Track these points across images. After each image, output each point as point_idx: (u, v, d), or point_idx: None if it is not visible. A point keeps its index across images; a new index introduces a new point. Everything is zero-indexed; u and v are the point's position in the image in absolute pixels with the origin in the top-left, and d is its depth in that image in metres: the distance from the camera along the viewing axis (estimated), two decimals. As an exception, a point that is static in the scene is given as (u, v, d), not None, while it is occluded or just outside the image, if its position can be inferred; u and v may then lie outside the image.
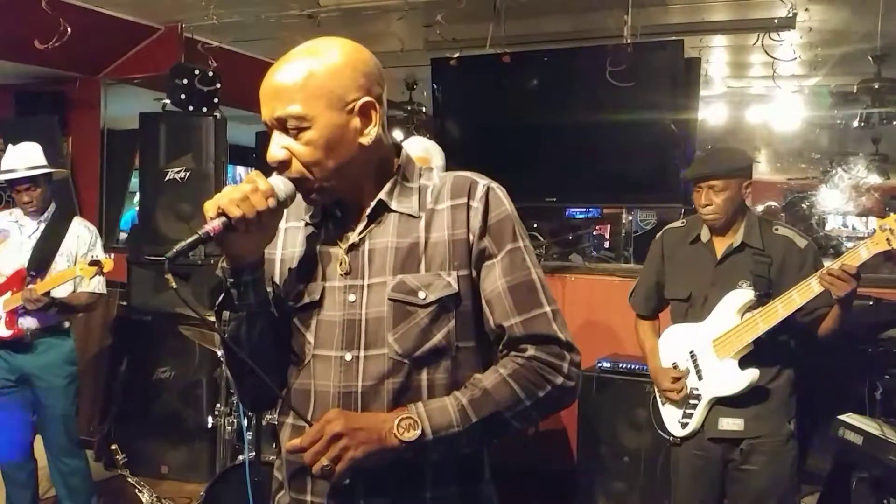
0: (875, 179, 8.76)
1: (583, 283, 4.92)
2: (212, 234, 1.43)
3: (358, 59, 1.54)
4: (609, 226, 8.69)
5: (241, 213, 1.43)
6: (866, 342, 3.77)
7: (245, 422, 3.80)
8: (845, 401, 3.48)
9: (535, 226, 6.44)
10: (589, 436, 4.24)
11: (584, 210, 8.50)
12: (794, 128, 7.85)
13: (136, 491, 4.26)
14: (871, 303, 3.97)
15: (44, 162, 4.05)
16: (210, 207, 1.44)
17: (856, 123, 6.94)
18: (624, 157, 4.91)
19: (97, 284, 4.10)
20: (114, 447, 4.23)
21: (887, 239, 2.72)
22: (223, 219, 1.43)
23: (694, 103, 4.93)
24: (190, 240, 1.43)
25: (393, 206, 1.58)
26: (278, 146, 1.51)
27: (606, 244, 8.16)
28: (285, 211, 1.61)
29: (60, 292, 3.96)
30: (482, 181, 1.60)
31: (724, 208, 3.06)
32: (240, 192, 1.45)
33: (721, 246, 3.14)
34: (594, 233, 8.31)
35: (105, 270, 3.92)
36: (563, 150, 5.09)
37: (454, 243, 1.55)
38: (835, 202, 8.97)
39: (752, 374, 2.99)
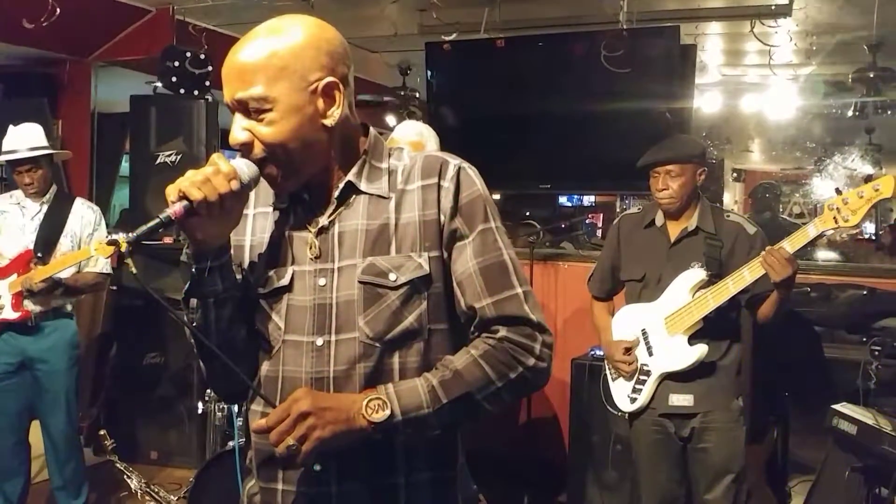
0: (868, 170, 8.76)
1: (576, 271, 4.89)
2: (173, 218, 1.40)
3: (321, 38, 1.50)
4: (602, 214, 8.70)
5: (202, 195, 1.40)
6: (860, 331, 3.78)
7: (235, 408, 3.78)
8: (839, 390, 3.50)
9: (528, 213, 6.42)
10: (581, 424, 4.23)
11: (572, 197, 8.50)
12: (788, 117, 7.85)
13: (125, 477, 4.25)
14: (864, 292, 3.97)
15: (45, 143, 4.03)
16: (172, 191, 1.42)
17: (850, 113, 6.94)
18: (618, 143, 4.86)
19: (104, 264, 4.06)
20: (103, 433, 4.21)
21: (834, 217, 2.86)
22: (185, 202, 1.40)
23: (689, 91, 4.91)
24: (151, 224, 1.40)
25: (362, 187, 1.55)
26: (240, 128, 1.48)
27: (598, 232, 8.16)
28: (253, 197, 1.58)
29: (63, 273, 3.92)
30: (453, 161, 1.57)
31: (679, 193, 3.20)
32: (201, 174, 1.42)
33: (675, 230, 3.27)
34: (587, 221, 8.32)
35: (123, 249, 3.88)
36: (558, 137, 5.06)
37: (425, 224, 1.53)
38: (828, 192, 8.96)
39: (701, 349, 3.11)
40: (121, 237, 4.14)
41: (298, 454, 1.39)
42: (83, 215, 4.08)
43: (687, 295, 3.13)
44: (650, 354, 3.24)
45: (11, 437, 4.03)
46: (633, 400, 3.27)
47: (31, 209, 4.01)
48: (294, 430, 1.38)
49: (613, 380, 3.39)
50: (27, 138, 3.96)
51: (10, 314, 3.89)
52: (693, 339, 3.13)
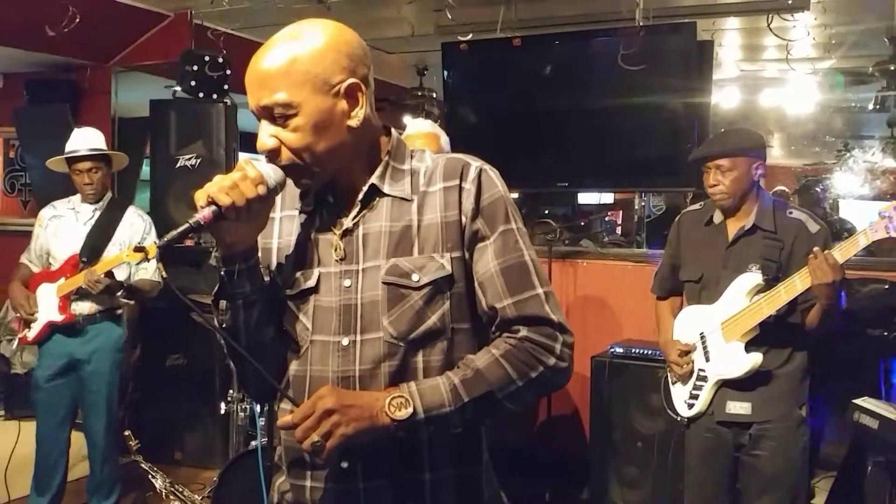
0: (890, 162, 8.69)
1: (595, 269, 4.90)
2: (202, 223, 1.44)
3: (341, 41, 1.52)
4: (621, 211, 8.67)
5: (230, 201, 1.44)
6: (881, 326, 3.75)
7: (258, 408, 3.81)
8: (861, 385, 3.47)
9: (547, 212, 6.41)
10: (601, 421, 4.23)
11: (593, 191, 8.47)
12: (807, 111, 7.81)
13: (150, 477, 4.28)
14: (886, 286, 3.94)
15: (106, 148, 4.12)
16: (200, 196, 1.45)
17: (870, 106, 6.90)
18: (636, 141, 4.88)
19: (154, 273, 4.11)
20: (127, 433, 4.25)
21: (886, 226, 2.69)
22: (213, 207, 1.44)
23: (707, 87, 4.88)
24: (180, 229, 1.43)
25: (385, 189, 1.58)
26: (267, 135, 1.51)
27: (618, 230, 8.13)
28: (279, 200, 1.62)
29: (120, 277, 3.98)
30: (475, 163, 1.59)
31: (731, 188, 3.04)
32: (229, 180, 1.45)
33: (733, 228, 3.12)
34: (606, 218, 8.29)
35: (150, 257, 3.93)
36: (575, 135, 5.06)
37: (447, 225, 1.55)
38: (849, 186, 8.90)
39: (755, 358, 2.98)
40: (149, 244, 4.17)
41: (323, 450, 1.42)
42: (133, 223, 4.12)
43: (744, 300, 3.00)
44: (707, 360, 3.13)
45: (56, 436, 4.09)
46: (691, 406, 3.17)
47: (84, 214, 4.06)
48: (318, 426, 1.41)
49: (673, 384, 3.29)
50: (89, 140, 4.05)
51: (57, 316, 3.95)
52: (752, 345, 3.01)
